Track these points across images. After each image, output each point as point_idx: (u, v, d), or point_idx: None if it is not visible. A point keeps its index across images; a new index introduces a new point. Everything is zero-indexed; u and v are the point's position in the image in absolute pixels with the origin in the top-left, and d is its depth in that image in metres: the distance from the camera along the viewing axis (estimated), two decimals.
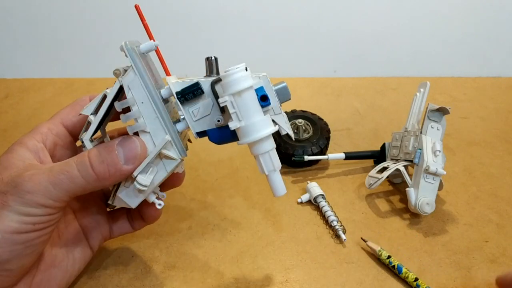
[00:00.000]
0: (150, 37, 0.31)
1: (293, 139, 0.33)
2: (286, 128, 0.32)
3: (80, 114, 0.32)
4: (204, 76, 0.31)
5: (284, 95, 0.32)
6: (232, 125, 0.29)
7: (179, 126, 0.32)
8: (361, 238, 0.42)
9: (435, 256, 0.42)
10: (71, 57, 0.75)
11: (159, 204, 0.33)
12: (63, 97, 0.70)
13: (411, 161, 0.46)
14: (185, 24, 0.73)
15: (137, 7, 0.31)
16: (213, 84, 0.31)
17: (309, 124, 0.53)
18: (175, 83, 0.31)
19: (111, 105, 0.31)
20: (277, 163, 0.31)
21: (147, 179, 0.31)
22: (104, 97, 0.31)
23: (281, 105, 0.32)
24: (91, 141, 0.31)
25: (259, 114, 0.30)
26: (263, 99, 0.30)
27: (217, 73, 0.32)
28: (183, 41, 0.74)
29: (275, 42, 0.75)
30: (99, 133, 0.33)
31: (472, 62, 0.78)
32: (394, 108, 0.67)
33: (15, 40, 0.74)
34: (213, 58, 0.31)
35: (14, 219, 0.26)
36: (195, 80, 0.31)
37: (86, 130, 0.31)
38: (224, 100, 0.29)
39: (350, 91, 0.72)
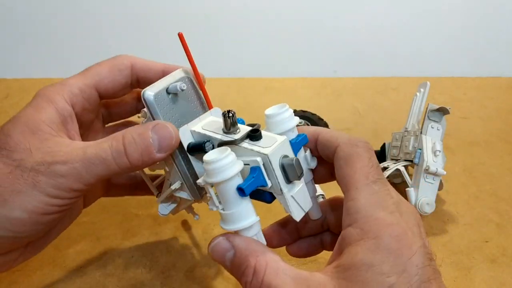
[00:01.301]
0: (194, 68, 0.30)
1: (295, 220, 0.29)
2: (289, 210, 0.28)
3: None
4: (223, 131, 0.29)
5: (291, 173, 0.27)
6: (209, 207, 0.28)
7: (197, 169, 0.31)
8: None
9: (435, 256, 0.42)
10: (71, 57, 0.75)
11: (195, 217, 0.38)
12: None
13: (411, 161, 0.46)
14: (184, 23, 0.73)
15: (180, 36, 0.29)
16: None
17: (309, 124, 0.54)
18: (193, 133, 0.30)
19: None
20: (263, 242, 0.29)
21: (167, 209, 0.35)
22: None
23: (291, 182, 0.28)
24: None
25: (235, 205, 0.27)
26: (240, 191, 0.26)
27: (233, 126, 0.29)
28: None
29: (275, 42, 0.75)
30: None
31: (472, 62, 0.78)
32: (394, 108, 0.67)
33: (15, 40, 0.74)
34: (228, 114, 0.28)
35: (43, 201, 0.26)
36: (207, 136, 0.29)
37: None
38: (199, 182, 0.27)
39: (350, 91, 0.72)
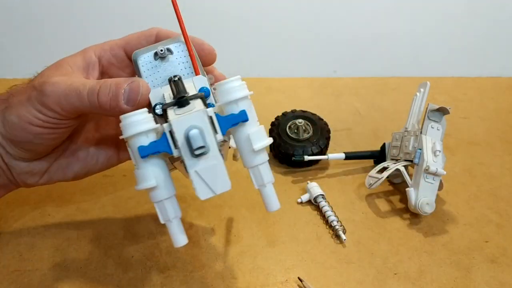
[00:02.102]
0: (184, 34, 0.32)
1: (199, 198, 0.29)
2: (192, 185, 0.28)
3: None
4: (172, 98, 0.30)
5: (191, 146, 0.26)
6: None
7: None
8: (298, 278, 0.39)
9: (435, 256, 0.42)
10: None
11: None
12: None
13: (411, 161, 0.46)
14: (185, 23, 0.73)
15: (173, 1, 0.31)
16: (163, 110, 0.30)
17: (309, 124, 0.53)
18: (164, 96, 0.31)
19: None
20: (176, 213, 0.30)
21: None
22: None
23: (197, 156, 0.27)
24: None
25: (140, 165, 0.28)
26: (138, 151, 0.27)
27: (180, 92, 0.29)
28: None
29: (275, 42, 0.75)
30: None
31: (472, 62, 0.78)
32: (394, 108, 0.67)
33: (15, 40, 0.74)
34: (172, 79, 0.29)
35: (30, 112, 0.31)
36: (164, 99, 0.31)
37: None
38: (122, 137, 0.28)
39: (350, 91, 0.72)
